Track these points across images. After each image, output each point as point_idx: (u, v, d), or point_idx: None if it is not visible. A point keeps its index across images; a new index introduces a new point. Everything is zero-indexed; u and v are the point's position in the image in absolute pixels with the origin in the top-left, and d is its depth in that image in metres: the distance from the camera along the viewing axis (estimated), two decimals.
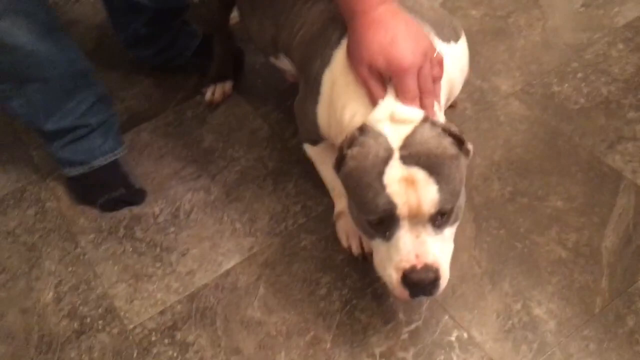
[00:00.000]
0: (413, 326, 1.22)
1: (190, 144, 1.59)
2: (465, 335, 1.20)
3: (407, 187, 0.96)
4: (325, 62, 1.10)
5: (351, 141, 1.01)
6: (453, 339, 1.20)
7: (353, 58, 1.04)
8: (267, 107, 1.64)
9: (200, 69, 1.70)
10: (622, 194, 1.36)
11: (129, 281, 1.35)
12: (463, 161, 1.02)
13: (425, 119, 1.00)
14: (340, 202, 1.35)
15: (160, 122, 1.65)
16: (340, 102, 1.07)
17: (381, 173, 0.97)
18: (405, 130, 0.99)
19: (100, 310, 1.31)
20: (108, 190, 1.45)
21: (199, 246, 1.39)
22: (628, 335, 1.17)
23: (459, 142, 1.00)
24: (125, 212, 1.47)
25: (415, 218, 0.97)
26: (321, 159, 1.31)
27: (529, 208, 1.36)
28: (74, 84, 1.38)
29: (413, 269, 0.98)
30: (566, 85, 1.58)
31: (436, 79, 1.05)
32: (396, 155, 0.97)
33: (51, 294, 1.35)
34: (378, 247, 1.03)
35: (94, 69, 1.42)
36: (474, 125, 1.53)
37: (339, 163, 1.03)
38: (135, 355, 1.24)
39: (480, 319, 1.22)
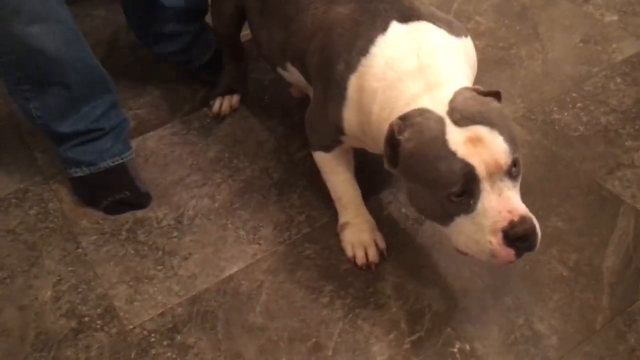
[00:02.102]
0: (415, 336, 1.22)
1: (196, 153, 1.60)
2: (468, 347, 1.20)
3: (474, 146, 0.97)
4: (352, 67, 1.13)
5: (399, 128, 1.02)
6: (455, 350, 1.20)
7: None
8: (273, 121, 1.67)
9: (207, 82, 1.73)
10: (622, 217, 1.39)
11: (130, 282, 1.34)
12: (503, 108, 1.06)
13: (456, 82, 1.05)
14: (346, 213, 1.36)
15: (167, 131, 1.66)
16: (376, 106, 1.10)
17: (445, 142, 0.98)
18: (445, 97, 1.02)
19: (99, 310, 1.30)
20: (113, 193, 1.45)
21: (201, 251, 1.39)
22: (629, 352, 1.17)
23: (495, 96, 1.05)
24: (128, 216, 1.47)
25: (494, 175, 0.98)
26: (331, 167, 1.33)
27: None
28: (91, 90, 1.40)
29: (512, 224, 0.97)
30: (566, 113, 1.63)
31: None
32: (448, 121, 1.00)
33: (49, 292, 1.33)
34: (460, 225, 1.02)
35: (110, 77, 1.45)
36: None
37: (393, 156, 1.04)
38: (133, 355, 1.22)
39: (482, 332, 1.22)
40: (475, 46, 1.74)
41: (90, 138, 1.44)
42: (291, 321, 1.25)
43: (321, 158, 1.33)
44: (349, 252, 1.34)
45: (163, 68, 1.82)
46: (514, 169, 1.00)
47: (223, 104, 1.68)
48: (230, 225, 1.43)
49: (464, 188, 0.98)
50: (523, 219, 0.99)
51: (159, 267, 1.36)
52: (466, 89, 1.05)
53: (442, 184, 0.99)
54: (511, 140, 1.00)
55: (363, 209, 1.36)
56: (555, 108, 1.65)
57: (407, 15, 1.14)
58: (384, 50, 1.12)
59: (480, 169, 0.97)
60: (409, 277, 1.32)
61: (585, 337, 1.20)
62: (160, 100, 1.76)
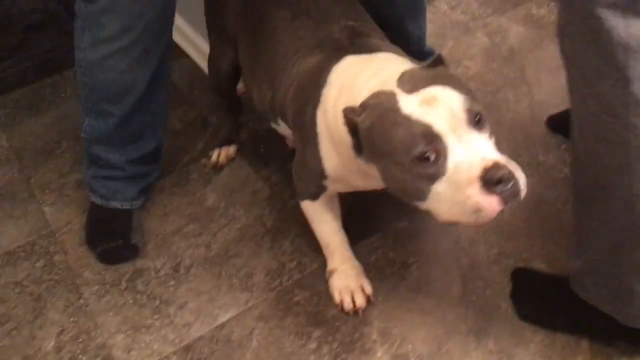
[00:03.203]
0: None
1: (194, 202, 1.67)
2: None
3: (429, 105, 0.97)
4: (316, 103, 1.20)
5: (353, 110, 1.05)
6: None
7: None
8: (268, 170, 1.74)
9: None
10: None
11: (128, 332, 1.40)
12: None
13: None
14: (333, 260, 1.41)
15: (167, 182, 1.74)
16: (339, 133, 1.12)
17: (398, 109, 0.98)
18: (393, 77, 1.05)
19: (98, 359, 1.36)
20: (108, 239, 1.53)
21: (196, 299, 1.45)
22: None
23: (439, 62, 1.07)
24: (128, 266, 1.54)
25: (457, 129, 0.95)
26: (318, 216, 1.38)
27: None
28: (141, 133, 1.50)
29: (487, 170, 0.93)
30: (551, 155, 1.67)
31: None
32: (399, 92, 1.01)
33: (52, 342, 1.40)
34: (438, 193, 0.98)
35: (165, 129, 1.55)
36: None
37: (356, 143, 1.06)
38: None
39: None
40: None
41: (113, 175, 1.53)
42: None
43: (308, 207, 1.39)
44: (337, 298, 1.38)
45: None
46: (477, 117, 0.97)
47: (221, 155, 1.76)
48: (224, 274, 1.50)
49: (426, 148, 0.96)
50: (497, 164, 0.94)
51: (156, 316, 1.42)
52: (412, 67, 1.07)
53: (403, 150, 0.97)
54: (466, 93, 0.99)
55: (350, 255, 1.41)
56: (540, 150, 1.69)
57: (367, 50, 1.21)
58: (338, 72, 1.18)
59: (440, 125, 0.95)
60: (395, 321, 1.36)
61: None
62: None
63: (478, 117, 0.98)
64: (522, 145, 1.70)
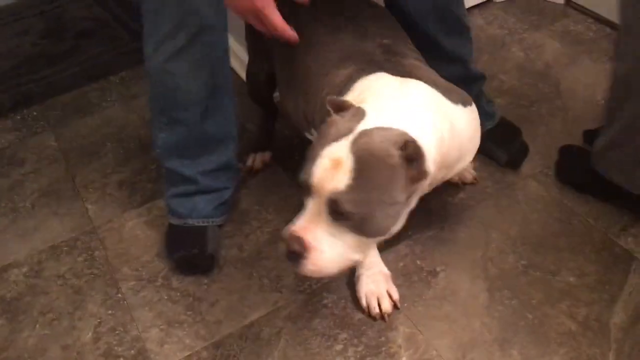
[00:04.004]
0: None
1: (230, 206, 1.72)
2: None
3: (332, 167, 1.05)
4: None
5: (336, 105, 1.13)
6: None
7: None
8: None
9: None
10: (633, 274, 1.41)
11: (162, 326, 1.46)
12: (400, 182, 1.05)
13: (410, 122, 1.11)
14: (361, 265, 1.44)
15: None
16: None
17: (328, 144, 1.07)
18: (379, 114, 1.10)
19: (133, 351, 1.42)
20: (185, 248, 1.55)
21: (227, 298, 1.50)
22: None
23: (410, 158, 1.05)
24: (164, 264, 1.60)
25: (318, 198, 1.07)
26: None
27: (542, 281, 1.43)
28: (212, 142, 1.54)
29: (285, 235, 1.10)
30: None
31: None
32: (353, 135, 1.07)
33: (90, 333, 1.47)
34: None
35: (236, 141, 1.60)
36: (494, 202, 1.62)
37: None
38: None
39: None
40: (498, 104, 1.84)
41: (188, 191, 1.56)
42: None
43: None
44: (363, 302, 1.41)
45: None
46: (336, 213, 1.05)
47: (256, 160, 1.82)
48: (255, 274, 1.54)
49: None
50: (292, 238, 1.09)
51: (189, 312, 1.48)
52: (398, 134, 1.07)
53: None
54: (361, 196, 1.03)
55: (377, 261, 1.44)
56: None
57: (401, 72, 1.22)
58: (364, 83, 1.21)
59: (314, 182, 1.06)
60: (421, 327, 1.38)
61: None
62: None
63: (337, 213, 1.05)
64: (554, 159, 1.71)
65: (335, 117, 1.13)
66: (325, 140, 1.08)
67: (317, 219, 1.08)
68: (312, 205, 1.09)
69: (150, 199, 1.78)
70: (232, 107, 1.55)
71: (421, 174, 1.08)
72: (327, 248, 1.09)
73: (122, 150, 1.95)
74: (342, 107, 1.13)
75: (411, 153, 1.05)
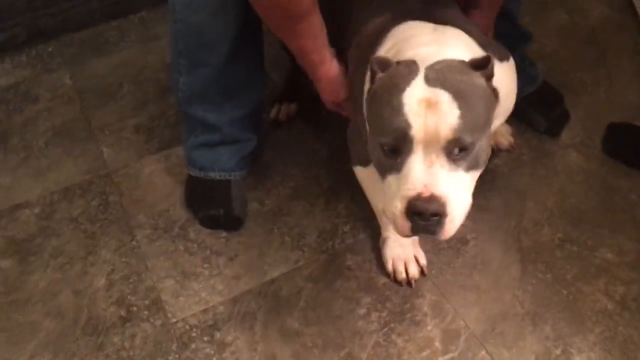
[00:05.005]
0: (449, 356, 1.22)
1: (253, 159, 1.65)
2: None
3: (427, 108, 0.93)
4: (361, 95, 1.14)
5: (381, 63, 1.01)
6: None
7: None
8: (327, 132, 1.70)
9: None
10: None
11: (177, 278, 1.40)
12: (492, 100, 1.00)
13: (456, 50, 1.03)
14: (387, 227, 1.37)
15: None
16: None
17: (402, 90, 0.95)
18: (436, 55, 1.00)
19: (147, 301, 1.37)
20: (210, 207, 1.48)
21: (247, 253, 1.43)
22: None
23: (484, 66, 0.99)
24: (181, 213, 1.53)
25: (430, 145, 0.93)
26: (371, 180, 1.34)
27: (578, 256, 1.36)
28: (238, 87, 1.43)
29: (418, 197, 0.92)
30: None
31: None
32: (421, 75, 0.96)
33: (103, 280, 1.41)
34: (390, 184, 0.99)
35: (266, 87, 1.50)
36: (530, 170, 1.54)
37: (369, 90, 1.03)
38: (174, 347, 1.28)
39: (518, 359, 1.21)
40: (539, 68, 1.73)
41: (211, 141, 1.48)
42: (326, 329, 1.28)
43: (360, 172, 1.35)
44: (389, 267, 1.35)
45: None
46: (457, 151, 0.94)
47: (281, 111, 1.73)
48: (276, 230, 1.48)
49: (394, 143, 0.95)
50: (432, 198, 0.92)
51: (206, 265, 1.42)
52: (460, 60, 1.00)
53: (378, 130, 0.98)
54: (471, 121, 0.93)
55: None
56: None
57: (437, 20, 1.13)
58: (396, 33, 1.12)
59: (417, 132, 0.93)
60: (448, 296, 1.32)
61: None
62: None
63: (459, 148, 0.94)
64: (596, 131, 1.62)
65: (389, 69, 1.02)
66: (396, 89, 0.96)
67: (435, 171, 0.94)
68: (420, 158, 0.94)
69: (168, 145, 1.70)
70: (262, 47, 1.46)
71: (496, 92, 1.01)
72: (457, 200, 0.95)
73: (140, 94, 1.86)
74: (388, 65, 1.02)
75: (489, 72, 0.99)
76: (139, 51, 2.01)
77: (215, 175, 1.51)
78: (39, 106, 1.84)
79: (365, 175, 1.34)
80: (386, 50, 1.12)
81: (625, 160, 1.53)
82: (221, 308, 1.34)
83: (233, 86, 1.43)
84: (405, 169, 0.95)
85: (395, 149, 0.96)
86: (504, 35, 1.53)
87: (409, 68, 0.99)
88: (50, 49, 2.04)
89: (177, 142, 1.68)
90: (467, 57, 1.03)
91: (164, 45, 1.97)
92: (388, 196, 1.00)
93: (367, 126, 1.07)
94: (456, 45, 1.07)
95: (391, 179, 0.98)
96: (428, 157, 0.94)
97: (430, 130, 0.93)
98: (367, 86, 1.07)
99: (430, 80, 0.96)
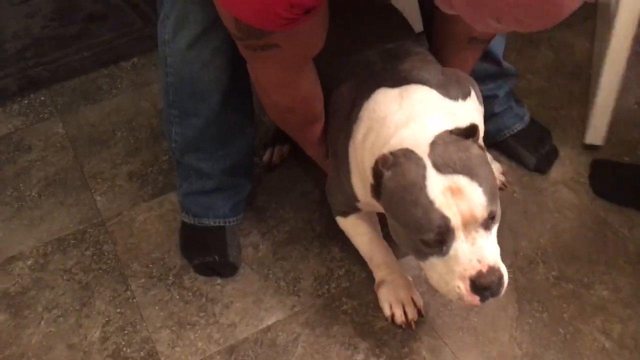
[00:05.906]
0: None
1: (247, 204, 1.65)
2: None
3: (453, 196, 0.99)
4: (348, 135, 1.20)
5: (384, 162, 1.05)
6: None
7: None
8: (318, 172, 1.70)
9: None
10: None
11: (173, 327, 1.39)
12: (487, 159, 1.07)
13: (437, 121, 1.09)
14: (380, 272, 1.37)
15: None
16: (367, 154, 1.14)
17: (423, 189, 1.01)
18: (427, 137, 1.05)
19: (142, 353, 1.35)
20: (205, 254, 1.48)
21: (242, 300, 1.43)
22: None
23: (472, 134, 1.05)
24: (176, 261, 1.53)
25: (469, 225, 1.00)
26: (354, 230, 1.37)
27: (574, 294, 1.36)
28: (230, 134, 1.44)
29: (480, 274, 1.01)
30: None
31: None
32: (429, 165, 1.02)
33: (98, 332, 1.40)
34: (433, 264, 1.05)
35: (254, 133, 1.51)
36: (522, 208, 1.55)
37: (377, 189, 1.08)
38: None
39: None
40: (526, 105, 1.76)
41: (204, 189, 1.48)
42: None
43: (342, 222, 1.38)
44: (387, 311, 1.34)
45: None
46: (490, 221, 1.02)
47: (274, 154, 1.74)
48: (271, 276, 1.47)
49: (437, 237, 1.01)
50: (491, 270, 1.01)
51: (202, 314, 1.41)
52: (446, 131, 1.07)
53: (416, 230, 1.02)
54: (490, 191, 1.01)
55: (396, 266, 1.37)
56: None
57: (397, 81, 1.18)
58: (369, 110, 1.17)
59: (456, 221, 1.00)
60: (446, 339, 1.31)
61: None
62: None
63: (491, 218, 1.03)
64: (586, 166, 1.63)
65: (393, 168, 1.06)
66: (416, 188, 1.01)
67: (479, 244, 1.02)
68: (463, 239, 1.02)
69: (162, 192, 1.70)
70: (251, 96, 1.47)
71: (478, 134, 1.08)
72: (499, 256, 1.05)
73: (133, 140, 1.87)
74: (389, 162, 1.06)
75: (478, 137, 1.06)
76: (131, 98, 2.03)
77: (209, 222, 1.51)
78: (32, 156, 1.85)
79: (347, 225, 1.37)
80: (363, 134, 1.16)
81: (613, 200, 1.53)
82: (218, 358, 1.33)
83: (226, 134, 1.44)
84: (452, 253, 1.02)
85: (437, 240, 1.02)
86: (490, 76, 1.56)
87: (414, 162, 1.03)
88: (42, 98, 2.05)
89: (171, 188, 1.68)
90: (444, 120, 1.09)
91: (156, 91, 1.99)
92: (437, 275, 1.06)
93: (389, 217, 1.10)
94: (429, 111, 1.12)
95: (435, 260, 1.05)
96: (469, 236, 1.01)
97: (465, 215, 1.00)
98: (370, 181, 1.10)
99: (440, 168, 1.01)
